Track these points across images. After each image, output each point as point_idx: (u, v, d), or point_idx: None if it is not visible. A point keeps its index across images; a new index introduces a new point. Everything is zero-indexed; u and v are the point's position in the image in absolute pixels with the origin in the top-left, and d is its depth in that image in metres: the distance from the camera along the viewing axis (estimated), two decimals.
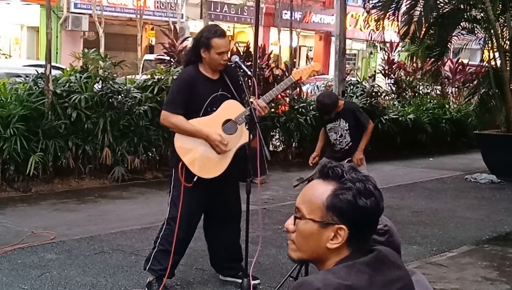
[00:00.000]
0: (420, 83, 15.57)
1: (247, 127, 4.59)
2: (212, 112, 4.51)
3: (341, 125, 6.23)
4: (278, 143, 11.44)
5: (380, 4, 11.16)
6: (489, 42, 11.12)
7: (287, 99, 11.22)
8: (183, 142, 4.50)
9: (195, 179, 4.45)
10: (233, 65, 4.62)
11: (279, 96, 10.05)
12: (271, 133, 10.98)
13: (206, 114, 4.50)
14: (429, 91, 15.86)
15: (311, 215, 1.71)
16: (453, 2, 11.06)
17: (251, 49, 10.31)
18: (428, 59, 12.01)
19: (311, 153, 6.53)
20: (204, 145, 4.50)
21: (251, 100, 4.64)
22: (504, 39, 10.92)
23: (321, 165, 5.79)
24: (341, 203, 1.68)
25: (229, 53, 4.63)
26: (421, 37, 11.20)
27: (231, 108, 4.55)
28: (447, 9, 11.10)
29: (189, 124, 4.45)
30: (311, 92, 14.30)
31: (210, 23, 13.31)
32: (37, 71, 8.44)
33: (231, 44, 4.67)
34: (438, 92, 16.15)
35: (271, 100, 4.89)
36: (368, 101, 12.10)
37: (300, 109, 11.08)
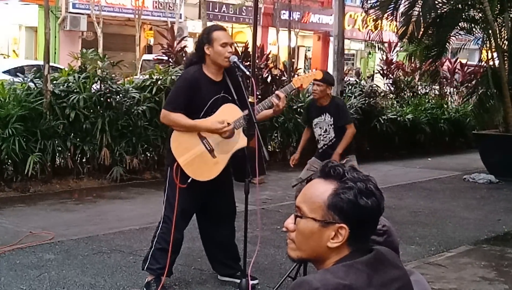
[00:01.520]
0: (419, 83, 15.59)
1: (245, 129, 4.58)
2: (213, 113, 4.51)
3: (326, 120, 6.22)
4: (276, 144, 11.44)
5: (378, 4, 11.17)
6: (487, 42, 11.13)
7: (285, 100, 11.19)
8: (179, 143, 4.50)
9: (189, 181, 4.46)
10: (232, 65, 4.60)
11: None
12: (270, 134, 10.97)
13: (206, 115, 4.49)
14: (427, 91, 15.88)
15: (312, 214, 1.71)
16: (451, 2, 11.07)
17: (250, 49, 10.31)
18: (426, 59, 12.02)
19: (310, 153, 6.52)
20: (201, 147, 4.50)
21: (249, 100, 4.63)
22: (502, 39, 10.93)
23: (311, 165, 5.75)
24: (342, 203, 1.68)
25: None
26: (419, 37, 11.20)
27: (229, 112, 4.54)
28: (445, 9, 11.11)
29: (188, 120, 4.44)
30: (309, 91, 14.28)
31: (208, 23, 13.30)
32: None
33: (232, 45, 4.66)
34: (437, 92, 16.17)
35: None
36: (367, 101, 12.11)
37: (299, 109, 11.08)
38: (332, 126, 6.22)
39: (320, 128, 6.28)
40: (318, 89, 6.16)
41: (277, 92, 4.68)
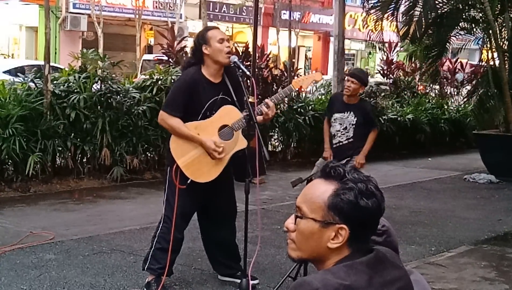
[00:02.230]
0: (419, 83, 15.58)
1: (244, 131, 4.58)
2: (211, 115, 4.51)
3: (348, 118, 6.16)
4: (277, 143, 11.44)
5: (379, 4, 11.16)
6: (488, 42, 11.13)
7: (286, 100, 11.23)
8: (179, 144, 4.50)
9: (188, 182, 4.46)
10: (232, 65, 4.60)
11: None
12: (270, 133, 10.98)
13: (205, 117, 4.49)
14: (427, 91, 15.87)
15: (312, 215, 1.71)
16: (452, 2, 11.07)
17: (250, 49, 10.31)
18: (427, 59, 12.02)
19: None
20: (200, 148, 4.49)
21: (250, 100, 4.63)
22: (503, 39, 10.93)
23: (317, 167, 5.73)
24: (342, 203, 1.68)
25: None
26: (420, 37, 11.20)
27: (228, 114, 4.54)
28: (445, 9, 11.11)
29: (185, 128, 4.45)
30: (309, 91, 14.30)
31: (209, 23, 13.32)
32: None
33: (229, 41, 4.67)
34: (437, 92, 16.17)
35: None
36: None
37: (299, 109, 11.08)
38: (354, 126, 6.16)
39: (340, 124, 6.22)
40: (352, 86, 6.11)
41: (266, 100, 4.64)
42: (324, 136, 6.51)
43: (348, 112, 6.16)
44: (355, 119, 6.14)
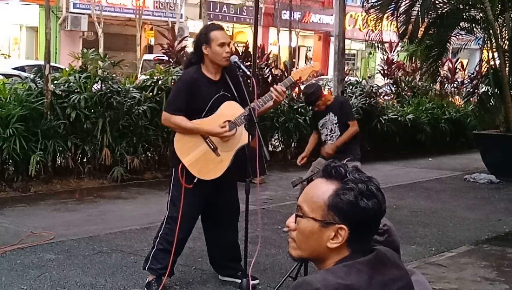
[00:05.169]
0: (419, 84, 15.59)
1: (246, 127, 4.59)
2: (214, 113, 4.52)
3: (330, 119, 6.26)
4: (277, 143, 11.44)
5: (379, 4, 11.15)
6: (488, 42, 11.13)
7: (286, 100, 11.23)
8: (183, 143, 4.51)
9: (195, 181, 4.46)
10: (231, 64, 4.60)
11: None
12: (270, 133, 10.98)
13: (207, 115, 4.50)
14: (428, 90, 15.86)
15: (312, 214, 1.71)
16: (452, 2, 11.07)
17: (250, 49, 10.31)
18: (427, 59, 12.01)
19: (310, 153, 6.52)
20: (204, 146, 4.51)
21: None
22: (503, 39, 10.93)
23: (314, 167, 5.71)
24: (342, 203, 1.68)
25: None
26: (420, 37, 11.20)
27: (230, 109, 4.55)
28: (446, 9, 11.11)
29: (190, 123, 4.47)
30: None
31: (209, 23, 13.31)
32: None
33: (230, 44, 4.68)
34: (437, 92, 16.15)
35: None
36: (367, 101, 12.11)
37: (300, 109, 11.08)
38: (337, 124, 6.25)
39: (326, 128, 6.30)
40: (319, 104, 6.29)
41: (275, 86, 4.66)
42: (308, 143, 6.65)
43: (329, 113, 6.30)
44: (336, 117, 6.27)
